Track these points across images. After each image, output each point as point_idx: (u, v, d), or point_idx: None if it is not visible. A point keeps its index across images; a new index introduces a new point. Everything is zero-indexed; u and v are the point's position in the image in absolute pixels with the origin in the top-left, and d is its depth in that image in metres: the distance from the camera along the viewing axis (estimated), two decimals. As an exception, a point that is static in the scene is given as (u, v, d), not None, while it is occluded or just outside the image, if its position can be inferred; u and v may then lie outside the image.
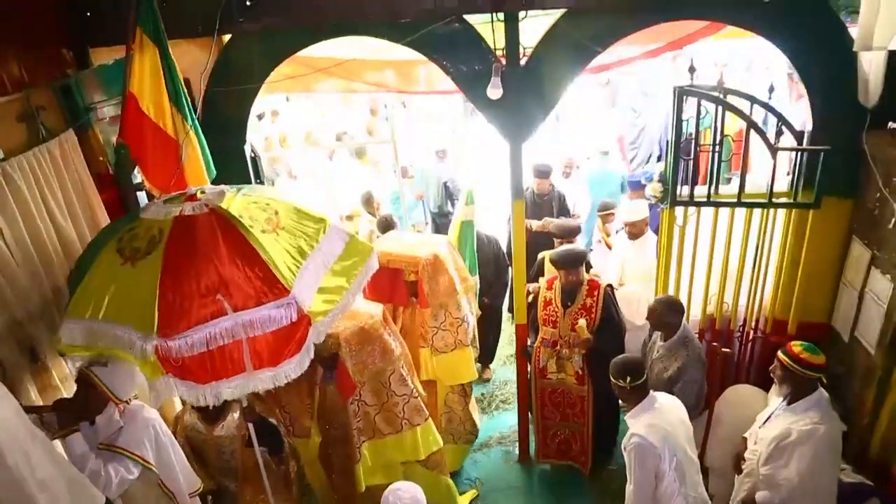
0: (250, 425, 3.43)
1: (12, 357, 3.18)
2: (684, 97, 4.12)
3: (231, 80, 4.52)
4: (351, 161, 8.85)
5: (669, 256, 4.59)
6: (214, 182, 4.12)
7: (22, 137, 3.51)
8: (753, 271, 4.52)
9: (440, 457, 4.32)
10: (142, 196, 4.25)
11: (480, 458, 5.53)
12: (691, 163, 4.30)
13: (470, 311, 4.85)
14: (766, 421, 3.60)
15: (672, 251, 4.58)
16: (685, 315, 4.60)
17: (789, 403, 3.45)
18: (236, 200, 2.99)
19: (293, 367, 2.78)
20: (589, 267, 5.08)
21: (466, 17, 4.13)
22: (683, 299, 4.61)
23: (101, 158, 4.05)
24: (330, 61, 5.36)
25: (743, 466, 3.70)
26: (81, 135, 3.89)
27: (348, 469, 3.96)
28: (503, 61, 4.25)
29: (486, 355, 6.54)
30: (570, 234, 5.52)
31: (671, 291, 4.66)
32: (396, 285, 4.62)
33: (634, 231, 5.56)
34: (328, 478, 4.25)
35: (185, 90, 3.86)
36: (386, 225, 6.29)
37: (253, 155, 4.94)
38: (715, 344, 4.34)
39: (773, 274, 4.55)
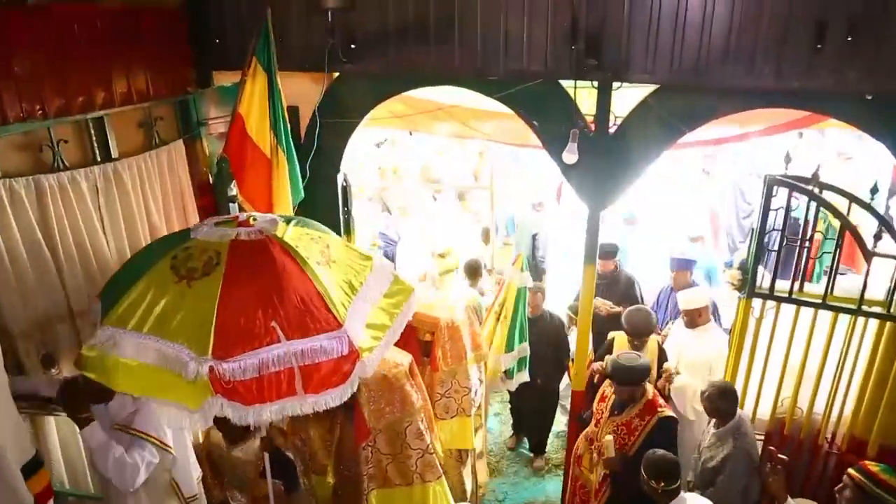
0: (266, 456, 3.45)
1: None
2: (774, 187, 3.97)
3: (335, 112, 4.86)
4: (454, 203, 9.08)
5: (741, 348, 4.34)
6: (303, 205, 4.44)
7: (138, 142, 3.98)
8: (834, 381, 4.20)
9: None
10: (234, 207, 4.63)
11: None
12: (775, 255, 4.11)
13: (479, 379, 4.78)
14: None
15: (745, 344, 4.35)
16: (752, 414, 4.37)
17: (849, 532, 3.15)
18: (290, 230, 3.04)
19: (334, 398, 2.77)
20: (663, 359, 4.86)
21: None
22: (752, 397, 4.36)
23: (204, 168, 4.47)
24: (435, 105, 5.64)
25: None
26: (190, 145, 4.34)
27: None
28: (593, 127, 4.30)
29: (538, 440, 6.17)
30: (643, 333, 4.87)
31: (739, 386, 4.39)
32: (409, 342, 4.44)
33: (690, 320, 5.11)
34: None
35: (287, 117, 4.20)
36: (473, 269, 6.40)
37: (344, 184, 5.23)
38: (772, 448, 4.05)
39: (857, 388, 4.20)
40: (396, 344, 4.07)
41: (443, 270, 7.64)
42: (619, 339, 4.94)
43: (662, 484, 3.17)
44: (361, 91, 4.76)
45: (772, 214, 4.04)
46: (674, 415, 4.02)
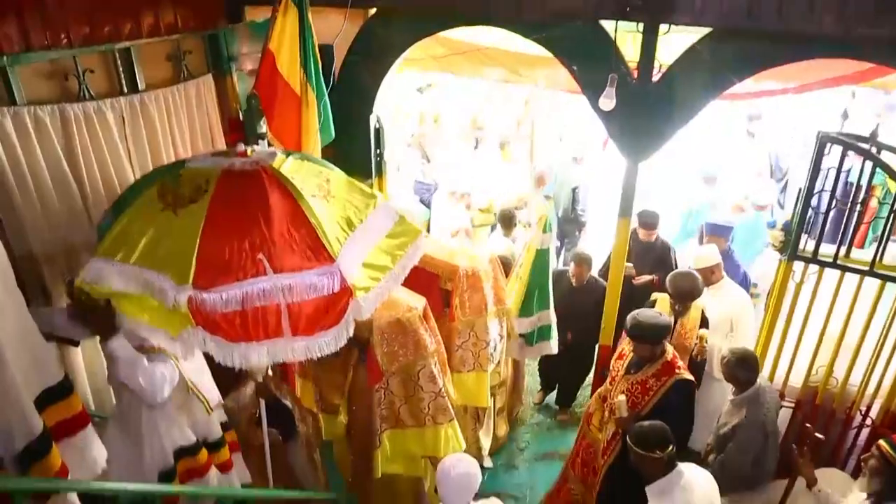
0: (262, 402, 3.36)
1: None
2: (827, 145, 3.71)
3: (369, 52, 4.74)
4: (495, 152, 8.87)
5: (778, 312, 4.17)
6: (334, 145, 4.37)
7: (166, 75, 3.92)
8: (874, 353, 4.00)
9: None
10: (263, 144, 4.59)
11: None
12: (821, 217, 3.88)
13: (500, 334, 4.61)
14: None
15: (783, 308, 4.16)
16: (784, 382, 4.23)
17: (875, 503, 3.02)
18: (288, 162, 2.91)
19: (329, 340, 2.64)
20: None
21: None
22: (785, 362, 4.20)
23: (234, 105, 4.40)
24: (477, 47, 5.46)
25: None
26: (220, 81, 4.27)
27: (367, 453, 3.92)
28: (635, 74, 4.08)
29: (567, 394, 6.07)
30: (687, 297, 4.55)
31: (774, 350, 4.23)
32: (432, 291, 4.36)
33: (704, 279, 4.82)
34: (350, 458, 4.24)
35: (318, 55, 4.10)
36: (507, 219, 6.28)
37: (377, 126, 5.14)
38: (808, 426, 3.91)
39: (898, 361, 4.00)
40: (417, 291, 4.03)
41: (480, 223, 7.54)
42: (662, 301, 4.71)
43: (658, 452, 3.02)
44: (397, 30, 4.60)
45: (822, 174, 3.80)
46: (691, 378, 3.80)
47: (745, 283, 5.28)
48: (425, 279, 4.30)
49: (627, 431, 3.69)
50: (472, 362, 4.41)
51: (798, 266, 4.01)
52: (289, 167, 2.87)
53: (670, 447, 3.04)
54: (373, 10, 4.68)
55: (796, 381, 4.26)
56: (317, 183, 2.89)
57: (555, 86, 6.53)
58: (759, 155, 8.07)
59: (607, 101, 3.88)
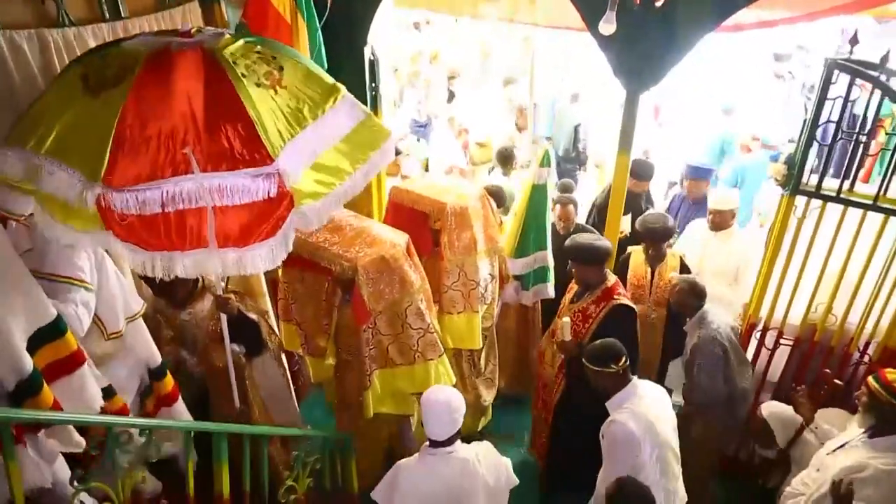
0: (223, 317, 3.13)
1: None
2: (835, 72, 3.58)
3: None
4: (495, 91, 8.70)
5: (778, 248, 4.10)
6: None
7: (150, 2, 3.77)
8: (874, 290, 3.96)
9: None
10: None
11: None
12: (826, 149, 3.78)
13: (490, 274, 4.41)
14: (837, 449, 3.22)
15: (783, 243, 4.10)
16: (782, 319, 4.21)
17: (871, 437, 3.01)
18: (235, 44, 2.50)
19: (263, 253, 2.37)
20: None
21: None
22: (784, 298, 4.17)
23: (221, 34, 4.28)
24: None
25: (793, 489, 3.36)
26: (207, 9, 4.11)
27: (357, 394, 3.86)
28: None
29: None
30: (659, 237, 4.52)
31: (773, 286, 4.19)
32: (421, 231, 4.23)
33: (719, 221, 4.91)
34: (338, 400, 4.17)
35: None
36: (505, 157, 6.19)
37: (372, 58, 5.00)
38: (827, 371, 3.91)
39: (897, 297, 3.95)
40: (406, 230, 3.89)
41: (480, 160, 7.45)
42: (636, 253, 4.67)
43: (620, 362, 3.07)
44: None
45: (828, 104, 3.68)
46: (629, 303, 3.82)
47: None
48: (414, 218, 4.23)
49: (570, 356, 3.74)
50: (463, 303, 4.26)
51: (800, 201, 3.94)
52: (233, 49, 2.46)
53: (623, 359, 3.09)
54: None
55: (795, 318, 4.24)
56: (265, 71, 2.48)
57: (554, 21, 6.33)
58: (785, 94, 7.97)
59: (607, 26, 3.71)
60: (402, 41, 8.58)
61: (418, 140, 7.29)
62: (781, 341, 4.29)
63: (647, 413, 3.01)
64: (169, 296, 3.39)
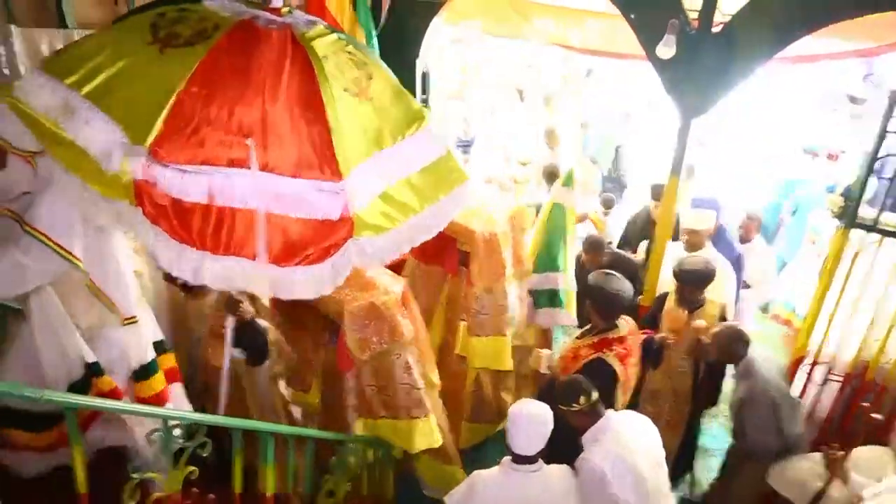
0: (229, 319, 2.87)
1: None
2: (900, 105, 3.55)
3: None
4: (539, 109, 8.74)
5: (831, 280, 4.01)
6: None
7: None
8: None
9: (444, 449, 3.80)
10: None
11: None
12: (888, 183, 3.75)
13: (519, 297, 4.35)
14: (881, 492, 3.14)
15: (835, 276, 4.03)
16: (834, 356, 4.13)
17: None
18: (328, 37, 2.23)
19: (305, 279, 2.07)
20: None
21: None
22: (836, 334, 4.11)
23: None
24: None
25: None
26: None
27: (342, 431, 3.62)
28: (695, 24, 3.96)
29: None
30: (699, 282, 4.04)
31: (825, 321, 4.12)
32: (449, 250, 4.10)
33: (695, 241, 4.72)
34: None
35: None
36: (551, 173, 6.20)
37: (424, 71, 5.11)
38: (866, 404, 3.84)
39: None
40: (435, 250, 3.71)
41: (522, 179, 7.48)
42: (672, 295, 4.21)
43: (583, 399, 2.87)
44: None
45: (890, 137, 3.66)
46: (610, 362, 3.38)
47: (737, 265, 5.05)
48: (443, 238, 3.86)
49: (539, 390, 3.63)
50: (491, 327, 4.16)
51: (856, 234, 3.90)
52: (325, 43, 2.20)
53: (587, 397, 2.88)
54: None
55: (846, 355, 4.17)
56: (354, 77, 2.22)
57: (605, 46, 6.37)
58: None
59: (666, 49, 3.73)
60: (448, 56, 8.67)
61: (464, 161, 7.38)
62: (830, 377, 4.22)
63: (620, 449, 2.82)
64: (173, 280, 3.10)
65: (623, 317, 3.53)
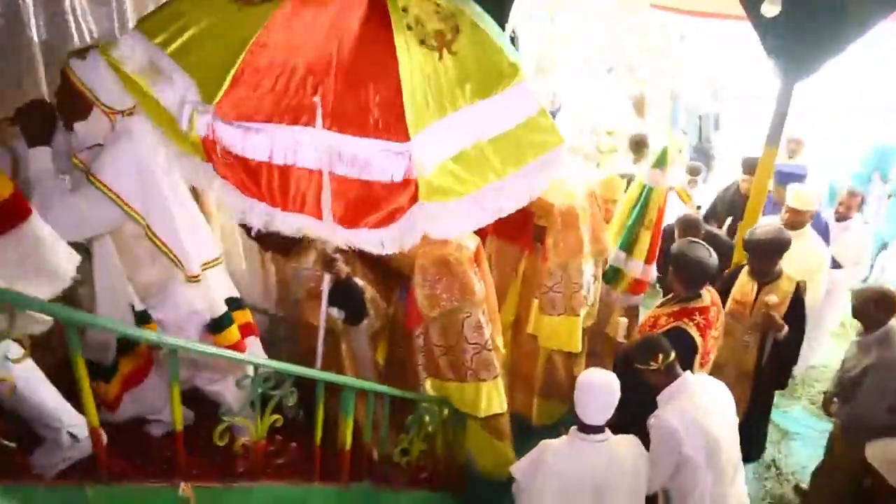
0: (326, 278, 2.77)
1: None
2: None
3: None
4: (627, 77, 8.50)
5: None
6: None
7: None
8: None
9: (502, 423, 3.68)
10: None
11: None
12: None
13: (594, 276, 4.11)
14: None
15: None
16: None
17: None
18: None
19: (373, 241, 2.07)
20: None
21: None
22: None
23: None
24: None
25: None
26: None
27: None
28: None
29: None
30: (772, 252, 3.82)
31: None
32: (523, 225, 3.93)
33: (796, 220, 4.38)
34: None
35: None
36: (637, 143, 6.06)
37: (512, 35, 5.03)
38: None
39: None
40: (508, 226, 3.50)
41: (608, 149, 7.33)
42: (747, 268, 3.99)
43: (660, 358, 2.84)
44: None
45: None
46: (691, 331, 3.30)
47: (825, 234, 4.80)
48: (519, 212, 3.85)
49: (616, 358, 3.54)
50: (563, 305, 3.96)
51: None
52: None
53: (665, 356, 2.84)
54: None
55: None
56: (437, 29, 2.06)
57: (698, 6, 6.12)
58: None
59: (772, 7, 3.50)
60: (536, 25, 8.54)
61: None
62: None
63: (694, 409, 2.79)
64: (266, 244, 3.08)
65: (707, 288, 3.41)
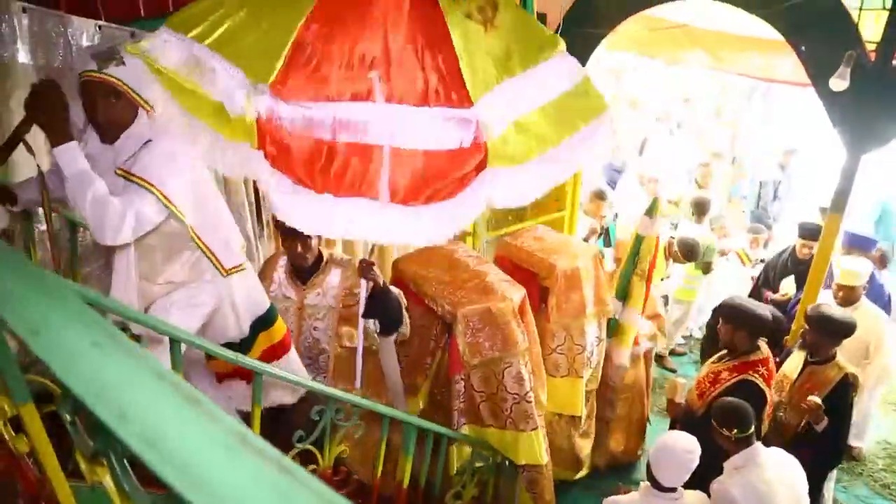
0: (364, 287, 2.63)
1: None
2: None
3: (583, 22, 4.82)
4: (691, 140, 8.60)
5: None
6: None
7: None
8: None
9: (542, 478, 3.56)
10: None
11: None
12: None
13: (598, 337, 4.08)
14: None
15: None
16: None
17: None
18: None
19: (435, 218, 1.98)
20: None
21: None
22: None
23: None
24: (678, 25, 5.35)
25: None
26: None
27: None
28: (872, 57, 3.83)
29: None
30: (836, 334, 3.59)
31: None
32: (529, 287, 3.78)
33: (849, 296, 4.28)
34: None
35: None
36: (700, 205, 6.09)
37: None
38: None
39: None
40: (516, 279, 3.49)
41: (669, 215, 7.39)
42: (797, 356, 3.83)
43: (735, 431, 2.84)
44: (615, 0, 4.68)
45: None
46: (759, 382, 3.28)
47: (888, 308, 4.69)
48: (522, 274, 3.87)
49: (674, 419, 3.54)
50: (567, 367, 3.95)
51: None
52: None
53: (748, 427, 2.85)
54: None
55: None
56: (479, 5, 2.15)
57: (766, 73, 6.22)
58: None
59: (840, 82, 3.61)
60: (602, 85, 8.76)
61: (609, 184, 7.40)
62: None
63: (759, 482, 2.76)
64: (300, 262, 2.86)
65: (762, 340, 3.48)
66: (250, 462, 0.51)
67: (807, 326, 3.61)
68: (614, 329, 4.32)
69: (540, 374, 3.59)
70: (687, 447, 2.71)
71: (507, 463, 3.56)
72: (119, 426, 0.55)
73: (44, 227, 2.35)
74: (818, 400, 3.36)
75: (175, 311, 2.29)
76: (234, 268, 2.47)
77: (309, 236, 2.59)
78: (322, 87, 1.88)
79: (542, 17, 4.80)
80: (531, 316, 3.46)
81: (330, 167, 1.89)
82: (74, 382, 0.61)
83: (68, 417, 0.89)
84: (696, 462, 2.72)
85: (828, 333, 3.52)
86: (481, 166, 1.98)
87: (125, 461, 0.87)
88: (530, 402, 3.31)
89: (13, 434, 1.34)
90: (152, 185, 2.07)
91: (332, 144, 1.89)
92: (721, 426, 2.90)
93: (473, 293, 3.22)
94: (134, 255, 2.18)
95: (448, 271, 3.44)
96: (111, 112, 2.07)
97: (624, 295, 4.26)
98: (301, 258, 2.80)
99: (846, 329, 3.51)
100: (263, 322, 2.59)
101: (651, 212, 4.09)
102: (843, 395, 3.45)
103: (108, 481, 0.96)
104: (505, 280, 3.40)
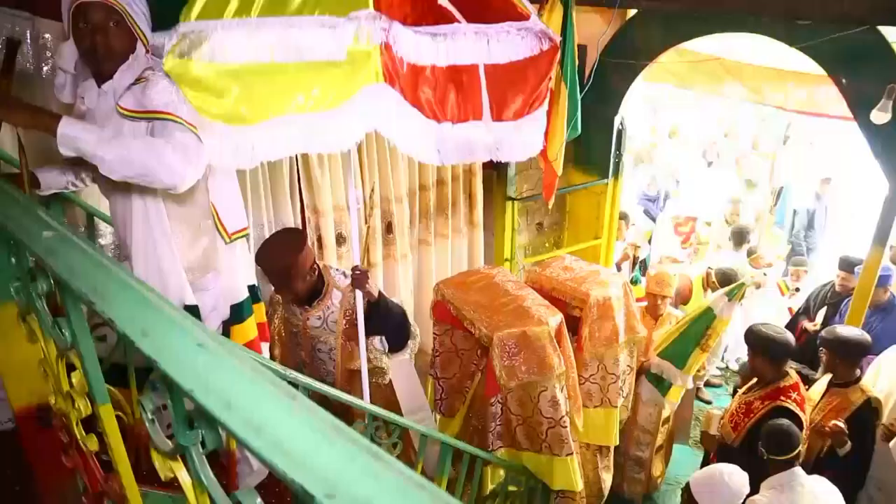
0: (359, 299, 2.54)
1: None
2: None
3: (622, 54, 4.93)
4: (728, 171, 8.61)
5: None
6: (577, 141, 4.46)
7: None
8: None
9: None
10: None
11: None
12: None
13: (629, 366, 4.01)
14: None
15: None
16: None
17: None
18: None
19: (532, 126, 2.16)
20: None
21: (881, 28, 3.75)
22: None
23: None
24: (716, 58, 5.39)
25: None
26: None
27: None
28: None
29: None
30: (855, 353, 3.62)
31: None
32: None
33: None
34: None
35: (576, 52, 4.40)
36: (739, 234, 6.11)
37: (621, 128, 5.32)
38: None
39: None
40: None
41: (703, 240, 7.39)
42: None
43: (779, 454, 2.88)
44: (654, 32, 4.72)
45: None
46: (792, 407, 3.28)
47: None
48: (553, 300, 3.80)
49: (708, 450, 3.54)
50: (601, 397, 3.90)
51: None
52: None
53: (782, 453, 2.89)
54: (633, 12, 4.89)
55: None
56: None
57: (806, 107, 6.20)
58: None
59: (881, 114, 3.62)
60: (641, 115, 8.83)
61: (644, 212, 7.44)
62: None
63: None
64: (289, 288, 2.78)
65: (790, 367, 3.50)
66: (344, 447, 0.59)
67: (822, 349, 3.64)
68: (667, 389, 4.28)
69: (576, 398, 3.59)
70: (738, 482, 2.79)
71: (541, 487, 3.58)
72: (226, 416, 0.64)
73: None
74: (841, 423, 3.31)
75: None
76: (236, 232, 2.30)
77: (298, 284, 2.65)
78: (411, 14, 1.89)
79: (582, 49, 4.89)
80: (568, 341, 3.45)
81: (438, 95, 1.93)
82: (183, 378, 0.70)
83: (150, 412, 0.96)
84: (745, 494, 2.78)
85: (842, 354, 3.52)
86: (552, 59, 2.18)
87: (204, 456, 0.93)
88: (565, 426, 3.32)
89: (83, 433, 1.41)
90: (169, 114, 1.86)
91: (439, 70, 1.92)
92: (775, 454, 2.92)
93: (510, 317, 3.25)
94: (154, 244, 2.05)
95: (486, 295, 3.46)
96: (111, 38, 1.91)
97: (682, 364, 4.18)
98: (295, 300, 2.88)
99: (860, 349, 3.52)
100: (236, 314, 2.39)
101: (732, 295, 3.96)
102: (864, 420, 3.42)
103: (182, 475, 1.02)
104: (542, 304, 3.41)
